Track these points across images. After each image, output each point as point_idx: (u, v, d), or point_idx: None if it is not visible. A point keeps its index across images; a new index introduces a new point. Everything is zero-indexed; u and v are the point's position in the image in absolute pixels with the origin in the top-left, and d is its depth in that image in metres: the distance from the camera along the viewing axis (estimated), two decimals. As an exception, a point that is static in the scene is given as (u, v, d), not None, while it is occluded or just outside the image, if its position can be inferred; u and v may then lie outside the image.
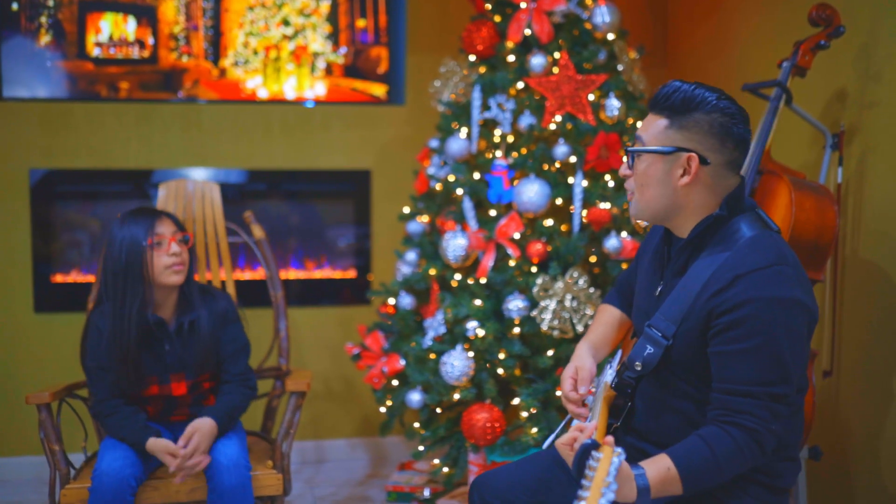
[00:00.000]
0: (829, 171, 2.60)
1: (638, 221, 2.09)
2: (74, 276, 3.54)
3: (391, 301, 3.19)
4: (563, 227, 2.90)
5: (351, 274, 3.79)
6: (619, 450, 1.31)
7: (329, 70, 3.71)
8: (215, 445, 2.29)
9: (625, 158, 1.74)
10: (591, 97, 2.91)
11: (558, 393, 2.72)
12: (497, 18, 3.04)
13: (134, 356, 2.31)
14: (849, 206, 2.63)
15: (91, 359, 2.36)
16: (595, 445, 1.36)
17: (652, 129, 1.68)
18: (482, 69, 3.02)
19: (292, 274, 3.73)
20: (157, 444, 2.23)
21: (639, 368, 1.70)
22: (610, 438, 1.37)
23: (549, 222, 2.86)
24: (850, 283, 2.61)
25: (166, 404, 2.42)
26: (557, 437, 1.84)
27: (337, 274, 3.78)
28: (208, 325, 2.40)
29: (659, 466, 1.54)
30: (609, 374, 1.85)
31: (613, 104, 2.90)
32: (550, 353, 2.75)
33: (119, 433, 2.29)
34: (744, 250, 1.61)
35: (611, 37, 3.01)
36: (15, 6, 3.41)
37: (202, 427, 2.25)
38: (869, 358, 2.52)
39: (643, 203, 1.71)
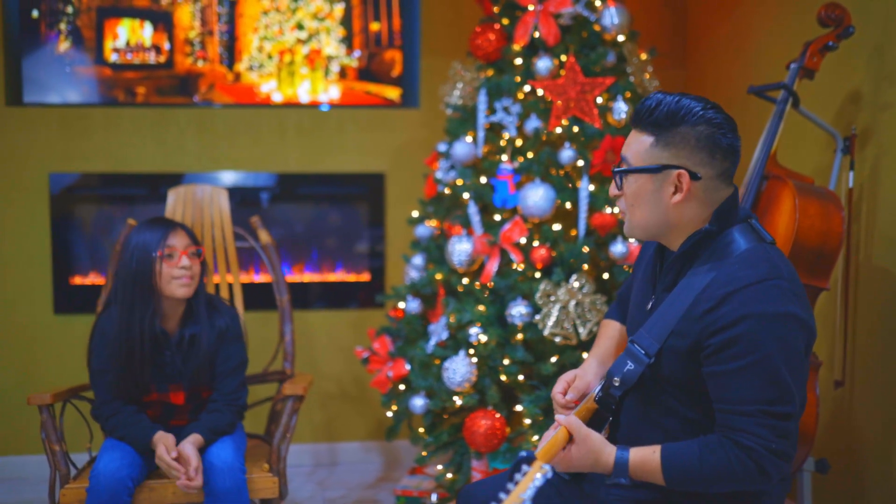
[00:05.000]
0: (839, 175, 2.53)
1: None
2: (93, 279, 3.60)
3: (401, 305, 3.18)
4: (573, 232, 2.87)
5: (365, 277, 3.79)
6: (547, 467, 1.31)
7: (343, 73, 3.72)
8: (210, 448, 2.31)
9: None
10: (599, 100, 2.87)
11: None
12: (505, 21, 3.02)
13: (136, 364, 2.34)
14: (862, 211, 2.55)
15: (95, 361, 2.40)
16: (528, 459, 1.36)
17: (636, 147, 1.62)
18: (489, 72, 3.00)
19: (307, 277, 3.75)
20: (164, 438, 2.27)
21: (616, 384, 1.66)
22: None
23: (556, 227, 2.83)
24: (864, 291, 2.54)
25: (165, 410, 2.44)
26: None
27: (351, 277, 3.79)
28: (207, 340, 2.42)
29: (645, 449, 1.55)
30: (595, 388, 1.82)
31: (621, 107, 2.85)
32: (554, 359, 2.72)
33: (121, 432, 2.32)
34: (735, 266, 1.55)
35: (621, 38, 2.96)
36: (35, 13, 3.49)
37: (194, 441, 2.30)
38: (884, 367, 2.44)
39: (635, 222, 1.66)
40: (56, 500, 2.29)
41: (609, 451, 1.53)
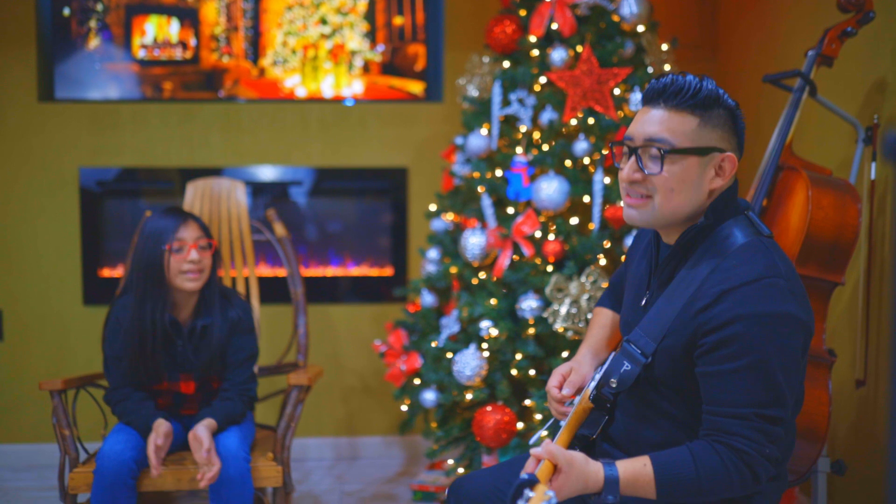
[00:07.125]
0: (861, 166, 2.44)
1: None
2: (121, 271, 3.67)
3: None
4: (590, 226, 2.82)
5: (388, 271, 3.79)
6: (551, 493, 1.25)
7: (366, 68, 3.72)
8: (216, 437, 2.33)
9: (618, 158, 1.62)
10: (616, 91, 2.81)
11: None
12: (522, 12, 2.98)
13: (148, 353, 2.37)
14: (887, 203, 2.45)
15: (108, 348, 2.45)
16: (531, 482, 1.28)
17: (678, 126, 1.52)
18: (505, 64, 2.97)
19: (330, 271, 3.77)
20: (159, 426, 2.28)
21: (614, 385, 1.62)
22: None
23: (574, 220, 2.79)
24: (888, 287, 2.44)
25: (175, 399, 2.47)
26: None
27: (374, 271, 3.79)
28: (219, 332, 2.44)
29: (634, 462, 1.48)
30: (590, 385, 1.77)
31: (638, 98, 2.80)
32: (565, 354, 2.68)
33: (127, 417, 2.36)
34: (731, 262, 1.50)
35: (640, 29, 2.91)
36: (66, 11, 3.57)
37: (208, 424, 2.31)
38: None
39: (668, 209, 1.54)
40: (65, 484, 2.33)
41: (596, 470, 1.45)
